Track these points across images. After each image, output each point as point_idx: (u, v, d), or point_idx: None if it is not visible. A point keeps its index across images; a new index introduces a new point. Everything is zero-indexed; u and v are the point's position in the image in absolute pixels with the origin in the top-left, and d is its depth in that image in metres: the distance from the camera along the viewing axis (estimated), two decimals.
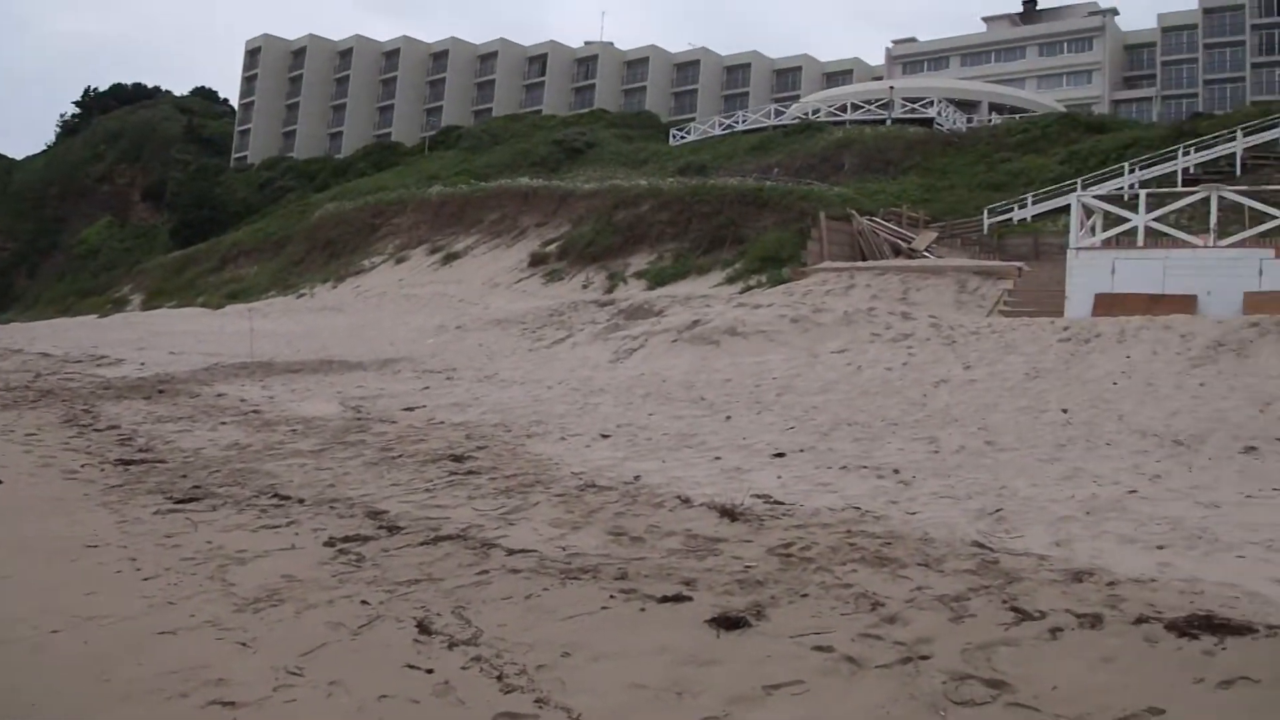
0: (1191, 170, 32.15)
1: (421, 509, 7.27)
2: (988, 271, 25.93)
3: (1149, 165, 33.27)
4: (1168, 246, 21.45)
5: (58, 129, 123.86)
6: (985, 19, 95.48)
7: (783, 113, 64.20)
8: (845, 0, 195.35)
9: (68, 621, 4.75)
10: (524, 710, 3.69)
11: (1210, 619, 4.40)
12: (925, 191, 39.52)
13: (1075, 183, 32.80)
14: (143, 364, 21.86)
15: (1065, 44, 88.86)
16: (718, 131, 64.63)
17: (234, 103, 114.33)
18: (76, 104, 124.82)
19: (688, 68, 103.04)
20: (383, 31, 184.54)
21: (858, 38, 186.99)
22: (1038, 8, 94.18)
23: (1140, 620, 4.47)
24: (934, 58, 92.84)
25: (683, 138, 66.12)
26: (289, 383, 17.32)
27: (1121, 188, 30.90)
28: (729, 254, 34.41)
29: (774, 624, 4.57)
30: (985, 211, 33.89)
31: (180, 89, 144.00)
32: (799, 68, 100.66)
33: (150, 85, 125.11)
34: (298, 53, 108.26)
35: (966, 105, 66.37)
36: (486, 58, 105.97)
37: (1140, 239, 21.75)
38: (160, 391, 16.06)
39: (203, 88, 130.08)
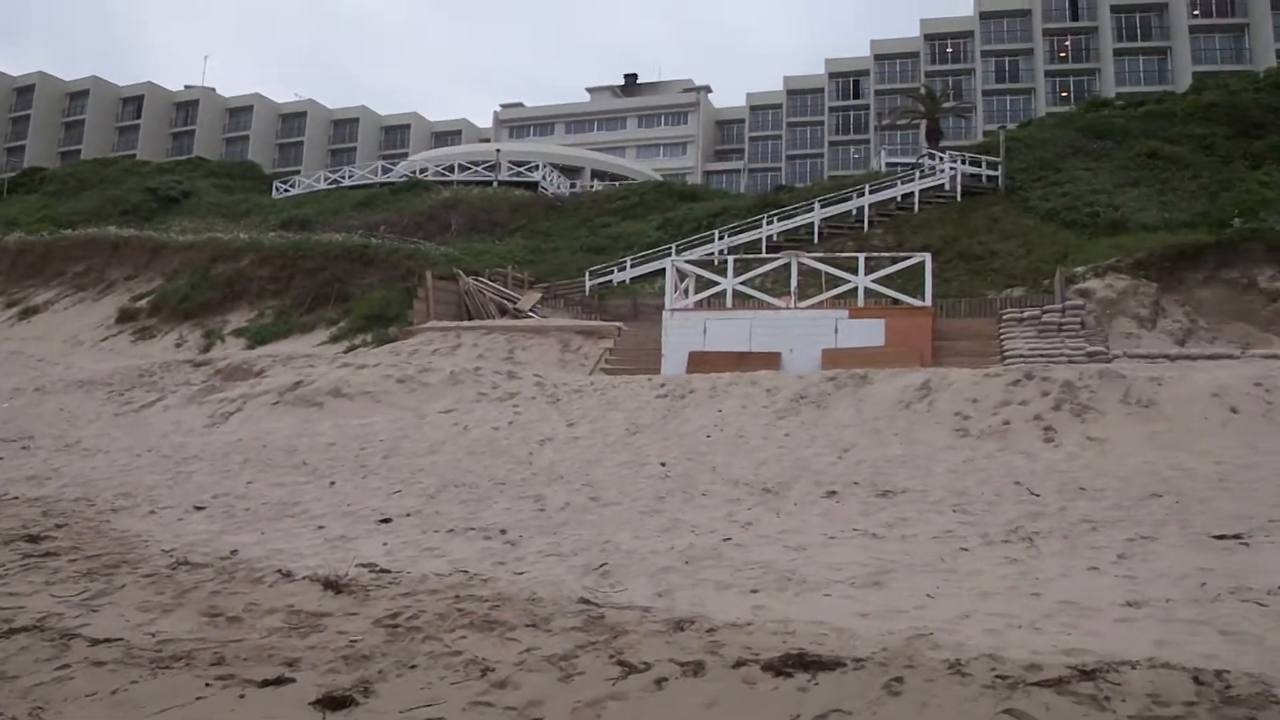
0: (775, 238, 34.49)
1: None
2: (590, 331, 26.67)
3: (737, 232, 35.45)
4: (754, 308, 22.96)
5: None
6: (589, 89, 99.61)
7: (390, 170, 63.63)
8: (456, 62, 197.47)
9: None
10: None
11: (803, 657, 4.60)
12: (530, 253, 40.23)
13: (670, 247, 34.42)
14: None
15: (663, 117, 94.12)
16: (323, 186, 63.05)
17: None
18: None
19: (294, 119, 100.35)
20: None
21: (467, 100, 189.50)
22: (638, 82, 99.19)
23: (739, 664, 4.61)
24: (540, 123, 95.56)
25: (287, 191, 64.00)
26: None
27: (712, 253, 32.82)
28: (334, 312, 33.54)
29: (383, 699, 4.35)
30: (587, 273, 34.93)
31: None
32: (408, 125, 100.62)
33: None
34: None
35: (570, 171, 68.50)
36: (77, 96, 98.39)
37: (729, 301, 23.12)
38: None
39: None
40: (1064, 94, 74.94)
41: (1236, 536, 7.74)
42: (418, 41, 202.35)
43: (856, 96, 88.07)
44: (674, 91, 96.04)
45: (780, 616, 5.61)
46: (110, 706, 4.36)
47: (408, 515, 9.52)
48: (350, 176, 63.64)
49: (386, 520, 9.25)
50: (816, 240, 33.97)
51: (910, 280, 23.70)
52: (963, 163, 36.55)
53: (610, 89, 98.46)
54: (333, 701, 4.29)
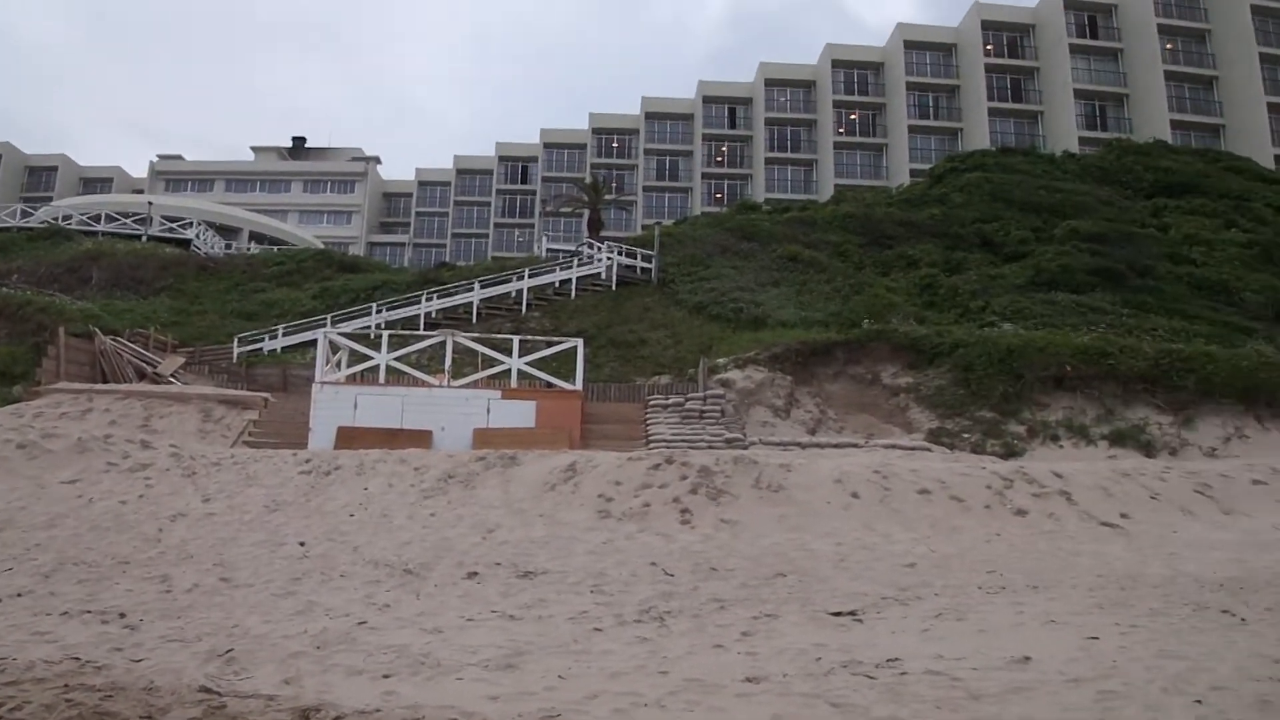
0: (434, 315, 34.44)
1: None
2: (234, 401, 25.56)
3: (396, 307, 35.15)
4: (408, 384, 22.79)
5: None
6: (255, 148, 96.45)
7: (31, 214, 58.91)
8: (114, 105, 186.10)
9: None
10: None
11: None
12: (176, 314, 38.22)
13: (326, 318, 33.69)
14: None
15: (330, 183, 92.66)
16: None
17: None
18: None
19: None
20: None
21: (123, 147, 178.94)
22: (307, 146, 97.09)
23: None
24: (200, 179, 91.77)
25: None
26: None
27: (369, 326, 32.39)
28: None
29: None
30: (236, 340, 33.57)
31: None
32: (55, 167, 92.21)
33: None
34: None
35: (228, 231, 66.04)
36: None
37: (382, 376, 22.83)
38: None
39: None
40: (718, 195, 79.61)
41: (852, 613, 8.32)
42: (74, 79, 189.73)
43: (524, 181, 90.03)
44: (343, 159, 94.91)
45: (410, 702, 5.58)
46: None
47: (18, 595, 8.79)
48: None
49: None
50: (475, 320, 34.18)
51: (564, 364, 24.25)
52: (620, 253, 37.89)
53: (277, 150, 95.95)
54: None
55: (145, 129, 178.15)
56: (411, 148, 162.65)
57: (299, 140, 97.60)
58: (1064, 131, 68.02)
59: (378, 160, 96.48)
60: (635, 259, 37.97)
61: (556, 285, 36.55)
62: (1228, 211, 43.50)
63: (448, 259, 77.13)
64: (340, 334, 25.76)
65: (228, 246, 60.48)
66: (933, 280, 35.77)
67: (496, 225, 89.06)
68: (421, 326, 32.62)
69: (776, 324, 30.36)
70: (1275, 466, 17.82)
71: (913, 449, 21.72)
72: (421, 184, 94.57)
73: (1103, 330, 28.72)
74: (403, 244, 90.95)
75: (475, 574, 10.02)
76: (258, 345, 33.69)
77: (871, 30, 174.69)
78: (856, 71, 78.99)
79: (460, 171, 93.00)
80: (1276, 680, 6.02)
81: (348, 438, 20.58)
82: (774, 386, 25.02)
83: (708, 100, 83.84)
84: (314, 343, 27.04)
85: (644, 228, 61.72)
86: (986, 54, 73.11)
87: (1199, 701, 5.61)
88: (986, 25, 73.68)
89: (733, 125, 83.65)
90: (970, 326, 29.35)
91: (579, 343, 23.75)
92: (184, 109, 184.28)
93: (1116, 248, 37.60)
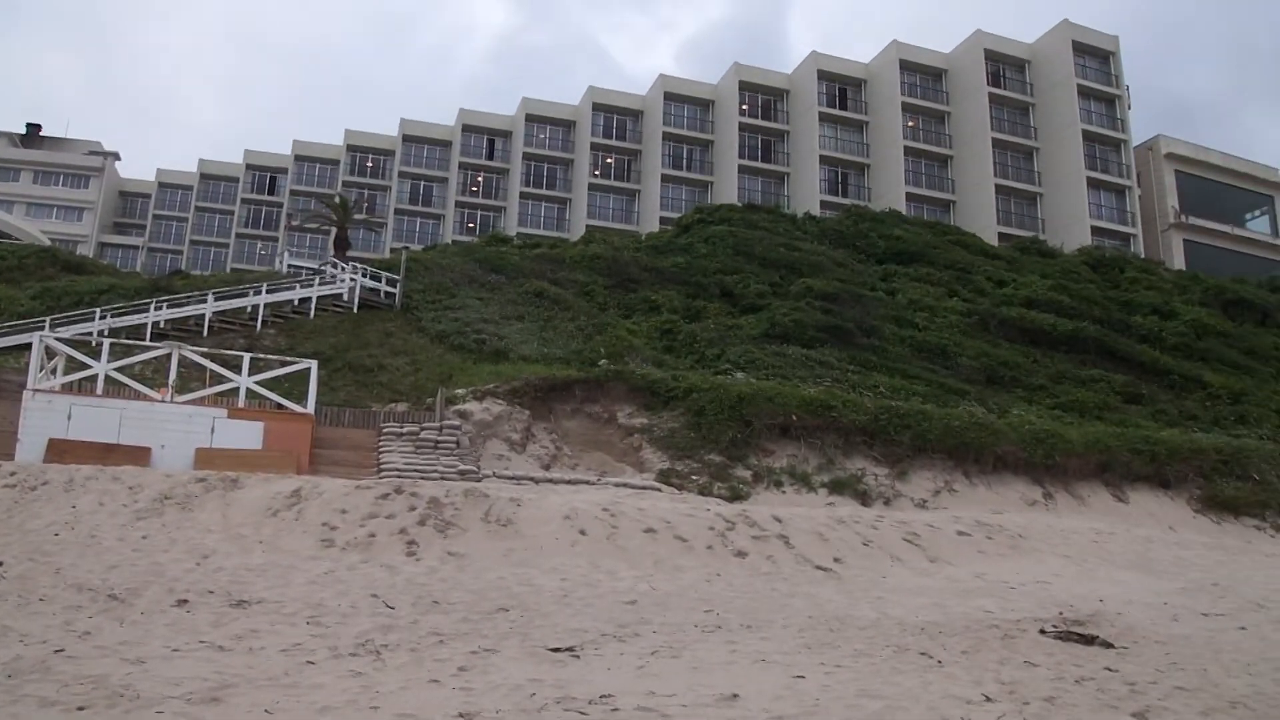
0: (163, 325, 32.87)
1: None
2: None
3: (123, 314, 33.31)
4: (128, 397, 21.70)
5: None
6: None
7: None
8: None
9: None
10: None
11: None
12: None
13: (45, 320, 31.73)
14: None
15: (62, 176, 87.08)
16: None
17: None
18: None
19: None
20: None
21: None
22: (42, 134, 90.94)
23: None
24: None
25: None
26: None
27: (91, 332, 30.69)
28: None
29: None
30: None
31: None
32: None
33: None
34: None
35: None
36: None
37: (100, 387, 21.71)
38: None
39: None
40: (471, 225, 79.53)
41: (570, 649, 8.53)
42: None
43: (272, 192, 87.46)
44: (79, 152, 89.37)
45: None
46: None
47: None
48: None
49: None
50: (207, 333, 32.81)
51: (297, 385, 23.65)
52: (365, 275, 37.29)
53: (8, 135, 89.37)
54: None
55: None
56: (156, 147, 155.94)
57: (34, 127, 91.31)
58: (808, 194, 71.28)
59: (117, 156, 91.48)
60: (380, 282, 37.44)
61: (296, 303, 35.58)
62: (951, 281, 46.66)
63: (184, 267, 74.03)
64: (58, 339, 24.35)
65: None
66: (673, 326, 36.79)
67: (239, 235, 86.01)
68: (149, 336, 31.11)
69: (518, 358, 30.53)
70: (979, 519, 19.28)
71: (643, 488, 22.28)
72: (162, 185, 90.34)
73: (829, 384, 30.21)
74: (137, 247, 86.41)
75: (185, 601, 9.71)
76: None
77: (631, 78, 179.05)
78: (617, 116, 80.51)
79: (205, 176, 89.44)
80: None
81: (59, 451, 19.45)
82: (511, 420, 25.14)
83: (468, 129, 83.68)
84: (29, 346, 25.43)
85: (392, 251, 60.90)
86: (742, 113, 75.87)
87: None
88: (744, 86, 76.50)
89: (491, 156, 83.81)
90: (705, 373, 30.30)
91: (313, 364, 23.27)
92: None
93: (847, 307, 39.66)
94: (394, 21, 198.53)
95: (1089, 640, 9.92)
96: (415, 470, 20.68)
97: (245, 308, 34.41)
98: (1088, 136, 68.77)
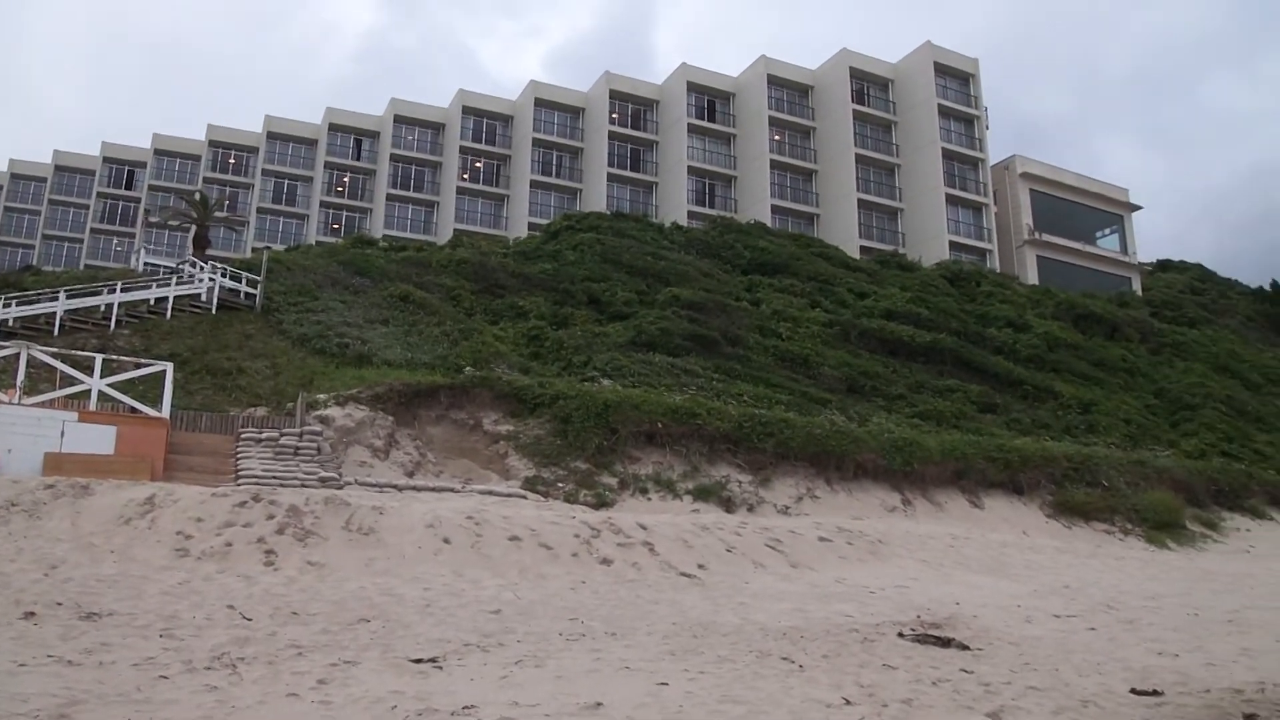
0: (12, 323, 31.63)
1: None
2: None
3: None
4: None
5: None
6: None
7: None
8: None
9: None
10: None
11: None
12: None
13: None
14: None
15: None
16: None
17: None
18: None
19: None
20: None
21: None
22: None
23: None
24: None
25: None
26: None
27: None
28: None
29: None
30: None
31: None
32: None
33: None
34: None
35: None
36: None
37: None
38: None
39: None
40: (336, 226, 78.28)
41: (433, 660, 8.52)
42: None
43: (130, 187, 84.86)
44: None
45: None
46: None
47: None
48: None
49: None
50: (58, 333, 31.66)
51: (152, 388, 23.01)
52: (224, 275, 36.41)
53: None
54: None
55: None
56: (7, 136, 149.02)
57: None
58: (675, 204, 72.01)
59: None
60: (241, 283, 36.59)
61: (152, 303, 34.53)
62: (814, 292, 47.58)
63: (35, 262, 71.35)
64: None
65: None
66: (540, 332, 36.77)
67: (94, 231, 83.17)
68: None
69: (382, 363, 30.14)
70: (840, 525, 19.76)
71: (508, 496, 22.25)
72: (14, 176, 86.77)
73: (694, 392, 30.57)
74: None
75: (32, 614, 9.42)
76: None
77: (497, 83, 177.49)
78: (486, 120, 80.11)
79: (60, 168, 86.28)
80: None
81: None
82: (374, 426, 24.84)
83: (334, 128, 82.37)
84: None
85: (254, 251, 59.63)
86: (612, 121, 76.21)
87: None
88: (615, 95, 76.87)
89: (358, 157, 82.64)
90: (572, 380, 30.37)
91: (168, 366, 22.70)
92: None
93: (712, 316, 40.15)
94: (259, 17, 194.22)
95: (945, 643, 10.30)
96: (274, 477, 20.31)
97: (99, 306, 33.29)
98: (947, 155, 70.88)
